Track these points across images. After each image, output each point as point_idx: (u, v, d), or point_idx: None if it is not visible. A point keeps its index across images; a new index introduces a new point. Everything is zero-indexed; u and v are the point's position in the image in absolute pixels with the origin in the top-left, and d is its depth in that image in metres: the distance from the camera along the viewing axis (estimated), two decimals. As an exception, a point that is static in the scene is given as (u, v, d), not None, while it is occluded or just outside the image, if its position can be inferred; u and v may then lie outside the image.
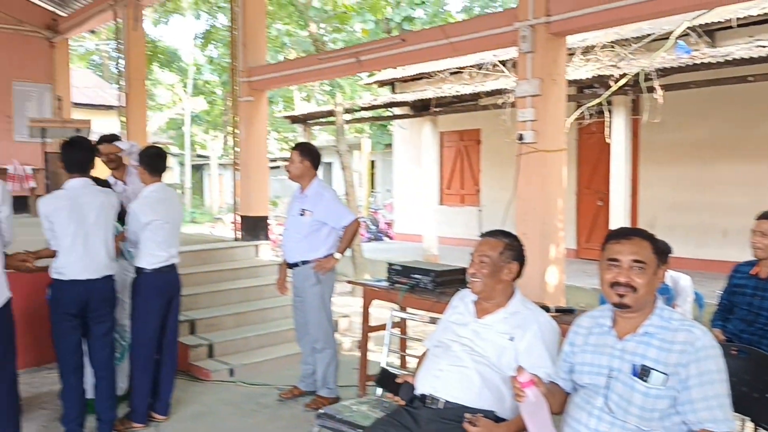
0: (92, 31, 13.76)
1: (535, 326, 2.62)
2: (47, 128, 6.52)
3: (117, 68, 10.51)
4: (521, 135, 5.14)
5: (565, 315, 3.62)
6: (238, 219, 7.84)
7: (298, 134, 14.37)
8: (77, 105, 18.33)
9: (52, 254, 3.88)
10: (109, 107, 15.72)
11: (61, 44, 11.93)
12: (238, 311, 6.32)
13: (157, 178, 4.36)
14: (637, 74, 7.29)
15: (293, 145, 4.93)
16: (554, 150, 5.09)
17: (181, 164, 29.10)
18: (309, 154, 4.65)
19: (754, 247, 3.77)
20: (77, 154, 3.90)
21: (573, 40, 7.00)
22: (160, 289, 4.30)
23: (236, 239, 7.81)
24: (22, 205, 8.49)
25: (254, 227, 7.59)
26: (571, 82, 7.14)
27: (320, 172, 4.88)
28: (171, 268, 4.36)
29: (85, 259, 3.83)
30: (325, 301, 4.69)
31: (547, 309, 3.38)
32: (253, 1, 7.63)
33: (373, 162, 21.33)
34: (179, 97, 27.21)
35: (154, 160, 4.38)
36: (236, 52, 7.73)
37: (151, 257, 4.23)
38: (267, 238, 7.71)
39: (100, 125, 14.84)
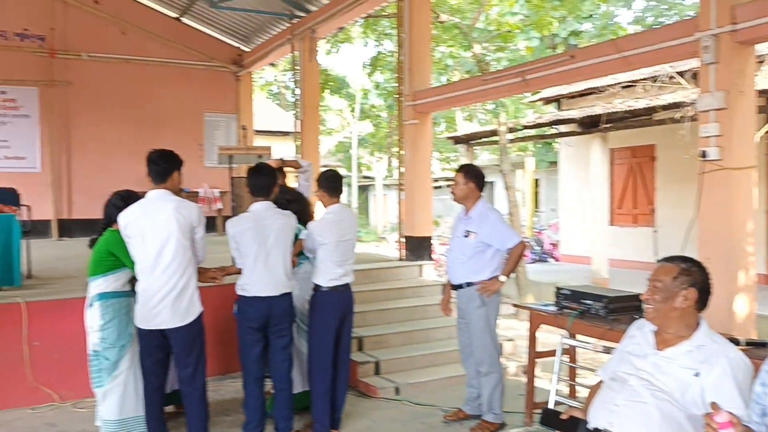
0: (272, 64, 14.84)
1: (724, 361, 2.39)
2: (233, 155, 7.12)
3: (293, 97, 11.24)
4: (704, 152, 4.77)
5: (756, 349, 3.27)
6: (402, 239, 8.01)
7: (461, 155, 14.44)
8: (258, 132, 19.87)
9: (238, 272, 4.22)
10: (286, 133, 16.83)
11: (245, 77, 13.02)
12: (403, 330, 6.44)
13: (335, 200, 4.59)
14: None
15: (457, 166, 4.97)
16: (742, 167, 4.67)
17: (348, 185, 30.40)
18: (473, 176, 4.66)
19: None
20: (261, 180, 4.25)
21: (763, 47, 6.40)
22: (336, 306, 4.49)
23: (400, 259, 7.99)
24: (210, 225, 9.30)
25: (418, 247, 7.71)
26: (761, 92, 6.52)
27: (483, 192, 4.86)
28: (346, 287, 4.54)
29: (265, 277, 4.12)
30: (490, 323, 4.64)
31: (736, 342, 3.09)
32: (419, 26, 7.83)
33: (536, 181, 20.85)
34: (347, 121, 28.54)
35: (332, 183, 4.61)
36: (402, 77, 7.95)
37: (327, 275, 4.44)
38: (430, 258, 7.80)
39: (278, 150, 15.92)
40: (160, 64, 12.02)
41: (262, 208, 4.22)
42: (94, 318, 4.06)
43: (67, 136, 11.36)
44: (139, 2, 12.13)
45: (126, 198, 4.17)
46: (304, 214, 4.79)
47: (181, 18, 12.37)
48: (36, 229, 9.52)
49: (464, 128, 20.47)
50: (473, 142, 13.02)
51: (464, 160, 12.99)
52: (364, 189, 32.38)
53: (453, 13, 14.26)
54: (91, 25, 11.51)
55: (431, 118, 8.04)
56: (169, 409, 4.64)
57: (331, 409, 4.60)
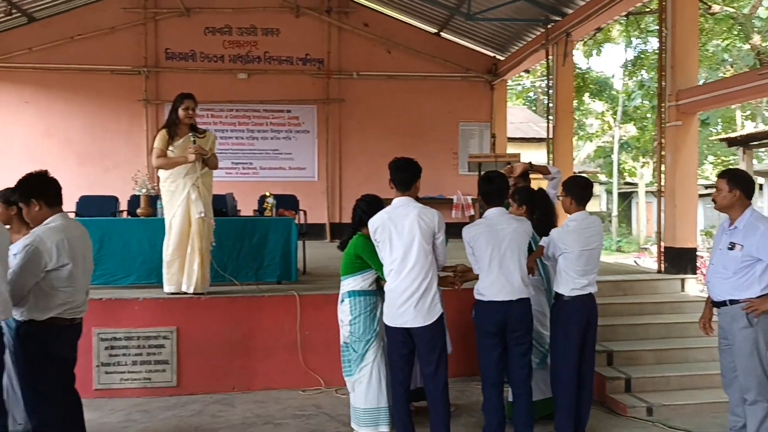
0: (527, 71, 14.83)
1: None
2: (482, 162, 7.29)
3: (547, 102, 11.11)
4: None
5: None
6: (662, 250, 7.45)
7: (739, 158, 12.93)
8: (512, 139, 19.95)
9: (476, 277, 4.35)
10: (541, 140, 16.65)
11: (500, 86, 13.20)
12: (658, 347, 6.03)
13: (581, 208, 4.50)
14: None
15: (719, 172, 4.51)
16: None
17: (608, 192, 28.95)
18: (739, 182, 4.19)
19: None
20: (493, 188, 4.33)
21: None
22: (578, 316, 4.40)
23: (659, 271, 7.44)
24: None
25: (680, 259, 7.11)
26: None
27: (757, 199, 4.34)
28: (589, 297, 4.42)
29: (500, 280, 4.18)
30: (759, 347, 4.12)
31: None
32: (683, 21, 7.23)
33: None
34: (608, 124, 27.23)
35: (581, 190, 4.53)
36: (664, 76, 7.42)
37: (570, 284, 4.37)
38: (694, 271, 7.14)
39: (530, 157, 15.83)
40: (420, 78, 12.74)
41: (495, 213, 4.30)
42: (344, 313, 4.51)
43: (339, 148, 12.61)
44: (402, 21, 13.00)
45: (371, 202, 4.55)
46: (545, 221, 4.73)
47: (440, 33, 12.97)
48: (312, 231, 10.73)
49: (744, 129, 18.23)
50: (753, 143, 11.60)
51: (742, 165, 11.63)
52: (625, 196, 30.55)
53: (728, 3, 12.82)
54: (361, 46, 12.63)
55: (697, 119, 7.37)
56: (420, 404, 4.90)
57: (575, 421, 4.51)
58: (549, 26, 10.36)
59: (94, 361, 5.59)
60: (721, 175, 4.32)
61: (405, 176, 4.27)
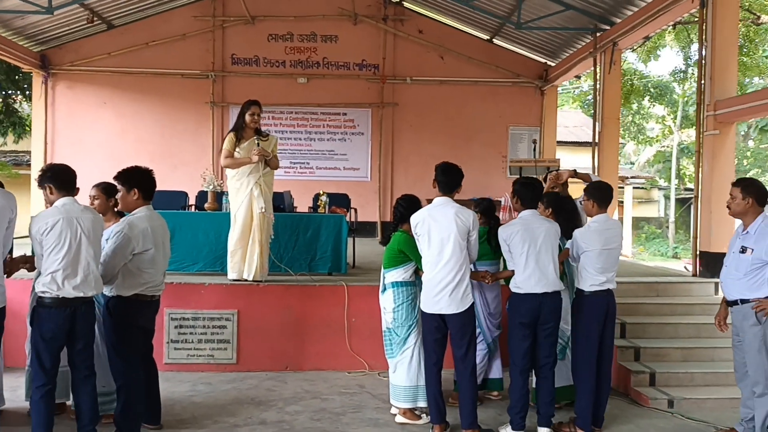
0: (578, 76, 15.02)
1: None
2: (523, 167, 7.69)
3: (594, 108, 11.36)
4: None
5: None
6: (698, 254, 7.70)
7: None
8: (565, 143, 20.11)
9: (504, 275, 4.85)
10: (590, 144, 16.80)
11: (550, 91, 13.48)
12: (686, 346, 6.32)
13: (603, 210, 4.90)
14: None
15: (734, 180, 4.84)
16: None
17: (666, 198, 28.55)
18: (752, 190, 4.53)
19: None
20: (529, 191, 4.78)
21: None
22: (597, 310, 4.78)
23: (694, 275, 7.70)
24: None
25: (714, 264, 7.31)
26: None
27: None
28: (608, 292, 4.81)
29: (537, 274, 4.63)
30: (767, 343, 4.45)
31: None
32: (723, 32, 7.46)
33: None
34: (669, 128, 26.89)
35: (603, 193, 4.94)
36: (703, 86, 7.66)
37: (589, 280, 4.77)
38: (729, 276, 7.35)
39: (577, 161, 16.06)
40: (471, 83, 13.17)
41: (529, 215, 4.75)
42: (387, 301, 5.04)
43: (391, 150, 13.16)
44: (456, 28, 13.45)
45: (409, 201, 5.09)
46: (568, 225, 5.11)
47: (492, 39, 13.36)
48: (363, 229, 11.32)
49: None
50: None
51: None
52: (684, 202, 30.05)
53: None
54: (415, 53, 13.15)
55: (734, 129, 7.58)
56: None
57: (594, 407, 4.89)
58: (598, 35, 10.63)
59: (164, 338, 6.28)
60: (735, 184, 4.66)
61: (450, 180, 4.77)
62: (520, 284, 4.71)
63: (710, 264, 7.43)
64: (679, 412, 5.44)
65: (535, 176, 6.87)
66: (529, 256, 4.65)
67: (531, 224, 4.71)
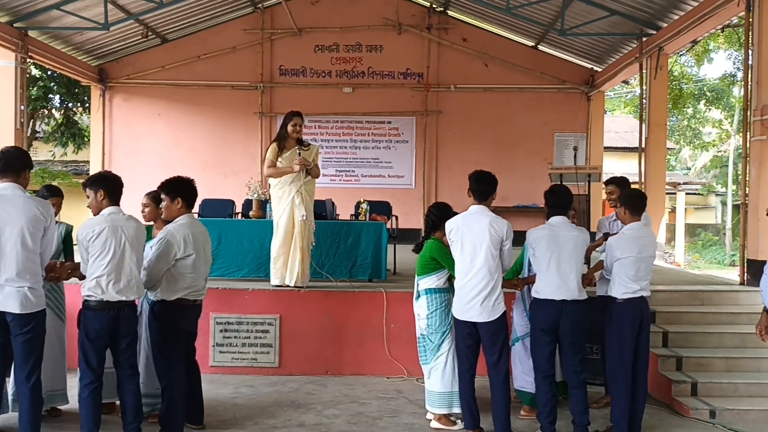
0: (626, 82, 14.81)
1: None
2: (563, 174, 7.67)
3: (640, 114, 11.20)
4: None
5: None
6: (745, 262, 7.52)
7: None
8: (615, 149, 19.79)
9: (532, 280, 4.88)
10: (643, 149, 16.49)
11: (597, 96, 13.34)
12: (730, 356, 6.19)
13: (636, 218, 4.89)
14: None
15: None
16: None
17: (724, 204, 27.70)
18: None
19: None
20: (557, 199, 4.82)
21: None
22: (630, 317, 4.77)
23: (741, 283, 7.52)
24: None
25: (762, 272, 7.15)
26: None
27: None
28: (641, 300, 4.79)
29: (557, 280, 4.66)
30: (808, 354, 4.37)
31: None
32: (769, 36, 7.32)
33: None
34: (727, 133, 26.14)
35: (635, 201, 4.95)
36: (749, 90, 7.50)
37: (622, 288, 4.77)
38: (780, 285, 7.15)
39: (624, 168, 15.79)
40: (516, 90, 13.16)
41: (558, 221, 4.78)
42: (421, 307, 5.13)
43: (435, 157, 13.26)
44: (500, 36, 13.46)
45: (441, 209, 5.18)
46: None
47: (537, 46, 13.31)
48: (407, 236, 11.36)
49: None
50: None
51: None
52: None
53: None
54: (459, 60, 13.23)
55: (782, 134, 7.39)
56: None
57: (630, 416, 4.87)
58: (644, 39, 10.49)
59: (210, 341, 6.52)
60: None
61: (484, 188, 4.84)
62: (540, 289, 4.76)
63: (758, 272, 7.22)
64: (721, 423, 5.35)
65: (576, 183, 6.84)
66: (551, 262, 4.68)
67: (558, 231, 4.74)
